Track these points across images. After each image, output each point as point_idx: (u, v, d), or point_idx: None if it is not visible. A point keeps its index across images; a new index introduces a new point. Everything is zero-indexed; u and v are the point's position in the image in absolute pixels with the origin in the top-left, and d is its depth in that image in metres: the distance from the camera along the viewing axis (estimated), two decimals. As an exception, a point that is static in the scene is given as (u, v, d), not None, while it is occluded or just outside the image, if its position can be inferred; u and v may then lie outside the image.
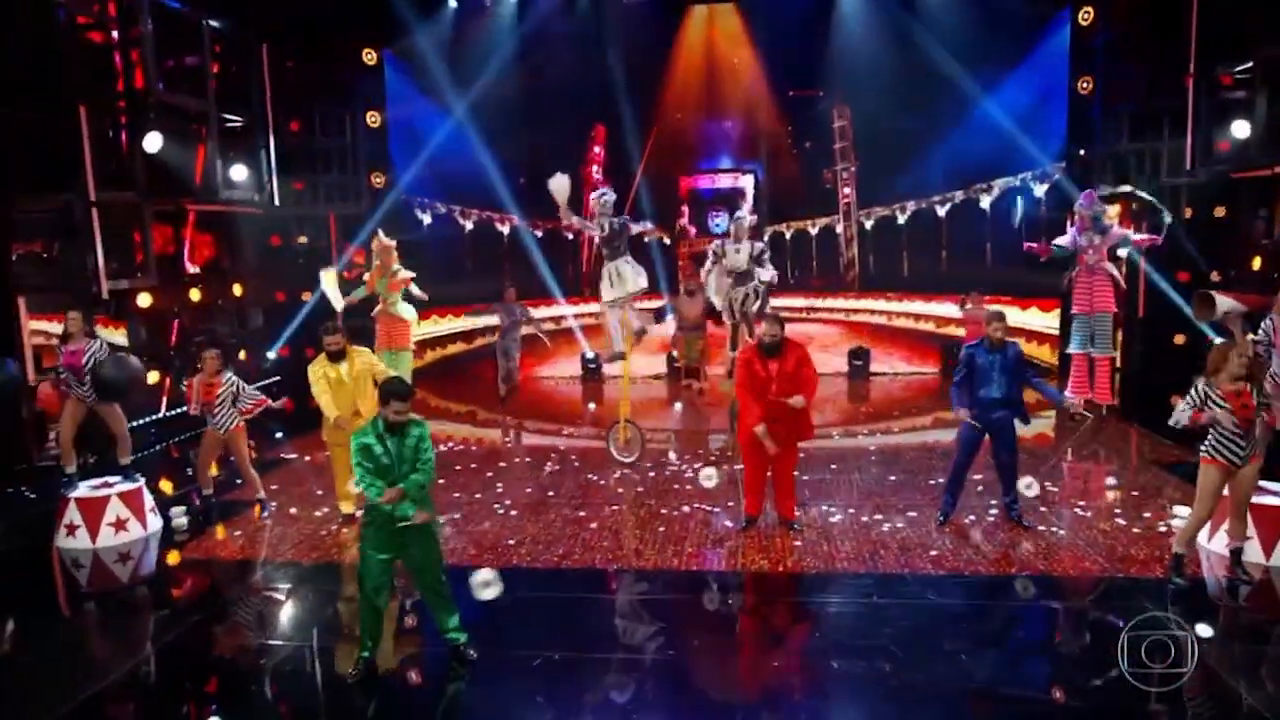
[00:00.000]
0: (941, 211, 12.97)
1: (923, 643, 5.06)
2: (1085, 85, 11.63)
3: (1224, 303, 6.61)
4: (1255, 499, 6.04)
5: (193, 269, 11.65)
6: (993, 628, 5.36)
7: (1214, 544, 6.26)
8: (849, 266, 13.77)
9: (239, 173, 11.32)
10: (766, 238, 13.88)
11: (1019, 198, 11.18)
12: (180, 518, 7.35)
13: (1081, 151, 11.77)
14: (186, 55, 10.16)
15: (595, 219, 8.62)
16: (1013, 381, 6.66)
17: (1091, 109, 11.58)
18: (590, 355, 13.98)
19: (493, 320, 12.63)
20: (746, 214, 10.56)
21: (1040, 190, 12.43)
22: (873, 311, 13.59)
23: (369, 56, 12.89)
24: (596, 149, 14.11)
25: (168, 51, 9.89)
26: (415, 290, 9.51)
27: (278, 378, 12.32)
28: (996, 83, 12.32)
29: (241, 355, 12.37)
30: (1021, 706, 4.61)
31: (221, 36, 11.04)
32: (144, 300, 10.25)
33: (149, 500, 7.23)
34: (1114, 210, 11.82)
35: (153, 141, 9.19)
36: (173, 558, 6.81)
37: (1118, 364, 11.44)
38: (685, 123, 13.77)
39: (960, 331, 11.71)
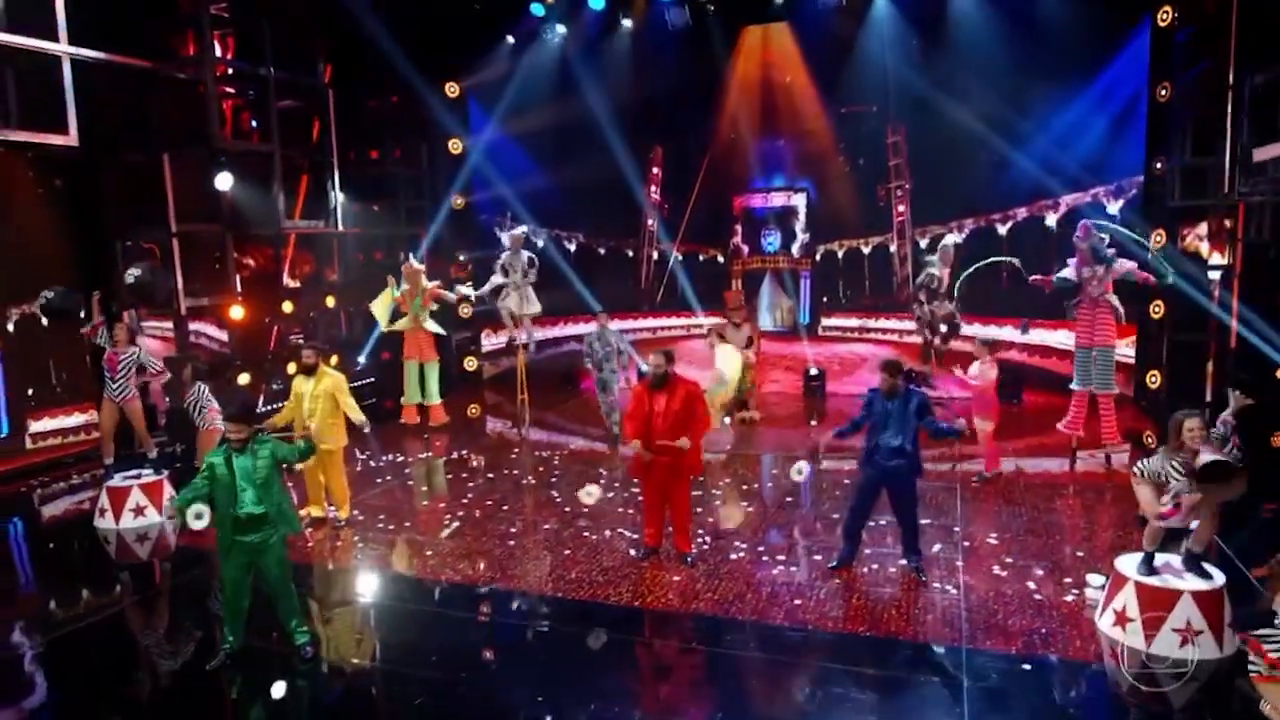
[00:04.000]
0: (1002, 230, 12.07)
1: (701, 690, 5.17)
2: (1164, 92, 10.48)
3: None
4: (1143, 580, 5.53)
5: (292, 283, 13.37)
6: (776, 683, 5.26)
7: (1103, 621, 5.76)
8: (902, 286, 13.07)
9: (323, 201, 12.88)
10: (819, 256, 13.66)
11: None
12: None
13: (1159, 164, 10.62)
14: (264, 105, 11.68)
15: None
16: (913, 432, 6.42)
17: (1169, 118, 10.42)
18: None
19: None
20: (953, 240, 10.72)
21: (1114, 207, 11.29)
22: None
23: (451, 90, 14.04)
24: (655, 169, 14.43)
25: (249, 104, 11.48)
26: (448, 294, 12.08)
27: (372, 379, 13.90)
28: (1067, 92, 11.33)
29: (334, 359, 14.00)
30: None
31: (295, 87, 12.46)
32: (237, 313, 11.97)
33: (169, 491, 8.60)
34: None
35: (224, 181, 10.73)
36: (178, 542, 8.05)
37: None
38: (739, 142, 13.73)
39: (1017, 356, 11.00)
